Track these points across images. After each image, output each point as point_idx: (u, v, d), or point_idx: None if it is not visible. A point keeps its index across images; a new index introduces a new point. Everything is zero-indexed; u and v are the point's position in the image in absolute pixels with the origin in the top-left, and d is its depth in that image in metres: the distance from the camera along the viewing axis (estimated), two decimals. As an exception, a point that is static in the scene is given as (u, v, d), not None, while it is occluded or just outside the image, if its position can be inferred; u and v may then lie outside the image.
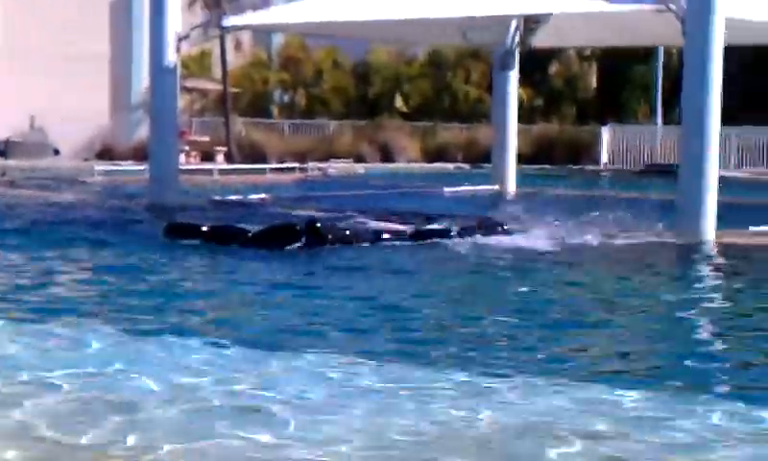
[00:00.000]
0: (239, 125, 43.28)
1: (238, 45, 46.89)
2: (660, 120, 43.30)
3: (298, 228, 16.68)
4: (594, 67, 49.77)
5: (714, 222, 18.06)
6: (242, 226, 17.12)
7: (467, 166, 41.10)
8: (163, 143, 24.04)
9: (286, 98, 51.85)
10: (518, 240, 17.16)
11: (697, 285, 14.13)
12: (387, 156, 42.89)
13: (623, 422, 7.16)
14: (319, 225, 16.93)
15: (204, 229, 16.94)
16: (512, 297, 12.42)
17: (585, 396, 7.80)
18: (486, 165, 33.07)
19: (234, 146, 40.37)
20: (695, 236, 17.71)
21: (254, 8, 32.06)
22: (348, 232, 17.05)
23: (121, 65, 45.57)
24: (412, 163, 42.05)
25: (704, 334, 10.74)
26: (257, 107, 49.80)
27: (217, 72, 44.39)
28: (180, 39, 23.59)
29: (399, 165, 41.35)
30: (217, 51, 42.41)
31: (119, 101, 45.89)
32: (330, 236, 16.57)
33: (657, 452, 6.59)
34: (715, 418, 7.28)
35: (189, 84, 43.32)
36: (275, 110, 50.76)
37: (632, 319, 11.37)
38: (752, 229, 18.78)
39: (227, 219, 19.33)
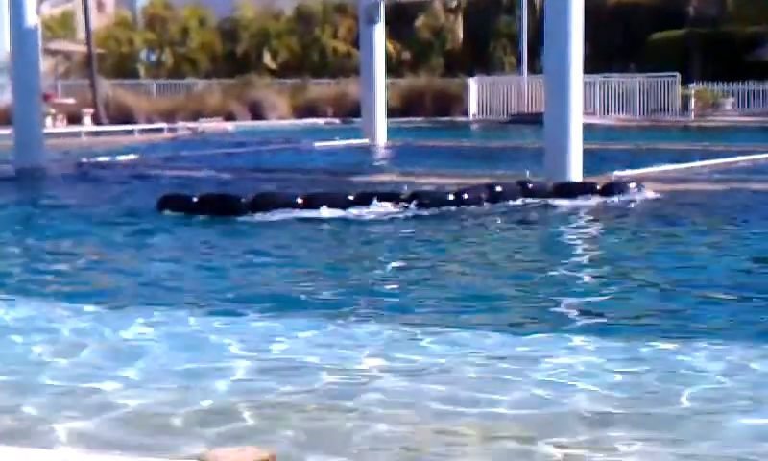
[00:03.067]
0: (106, 86, 42.67)
1: (101, 5, 46.16)
2: (525, 70, 43.79)
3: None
4: (461, 19, 50.08)
5: (580, 168, 18.41)
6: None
7: (337, 121, 41.16)
8: (27, 107, 23.63)
9: (153, 58, 51.27)
10: None
11: (560, 226, 14.47)
12: (257, 113, 42.69)
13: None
14: None
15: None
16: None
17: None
18: (356, 120, 33.20)
19: (102, 108, 39.77)
20: (561, 181, 18.00)
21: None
22: None
23: (-19, 29, 44.54)
24: (282, 120, 41.94)
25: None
26: (124, 67, 49.20)
27: (81, 33, 43.68)
28: (40, 0, 23.18)
29: (270, 122, 41.21)
30: (80, 12, 41.72)
31: (-20, 65, 44.88)
32: None
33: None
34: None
35: (53, 46, 42.61)
36: (141, 71, 50.16)
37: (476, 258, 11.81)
38: (616, 173, 19.18)
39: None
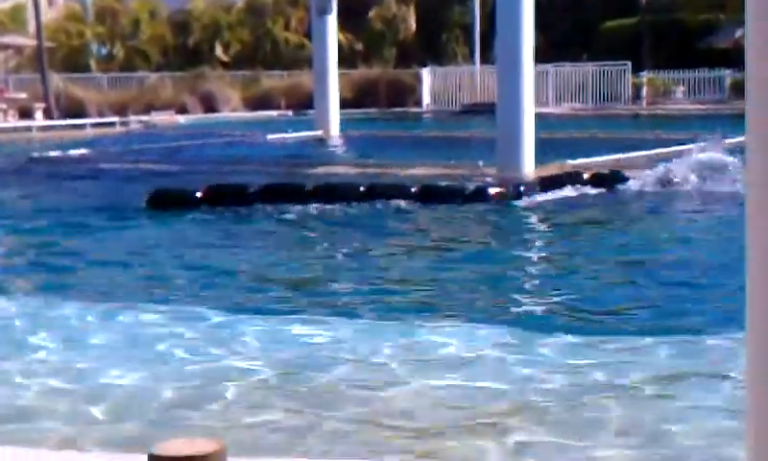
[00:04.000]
0: (57, 80, 42.38)
1: (51, -1, 45.84)
2: (478, 60, 43.87)
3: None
4: (413, 10, 50.13)
5: (533, 157, 18.48)
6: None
7: (290, 113, 41.09)
8: (-23, 101, 23.47)
9: (104, 51, 50.96)
10: None
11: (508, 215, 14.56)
12: (209, 106, 42.57)
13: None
14: None
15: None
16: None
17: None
18: (310, 111, 33.16)
19: (53, 102, 39.55)
20: (515, 171, 18.08)
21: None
22: None
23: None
24: (235, 112, 41.83)
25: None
26: (75, 61, 48.86)
27: (31, 27, 43.35)
28: (-11, -6, 23.01)
29: (222, 115, 41.09)
30: (30, 5, 41.40)
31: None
32: None
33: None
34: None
35: (3, 40, 42.27)
36: (93, 64, 49.84)
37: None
38: (569, 162, 19.27)
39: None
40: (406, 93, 43.69)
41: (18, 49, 47.04)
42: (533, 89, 18.96)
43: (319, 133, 29.68)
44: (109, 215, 14.73)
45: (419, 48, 48.61)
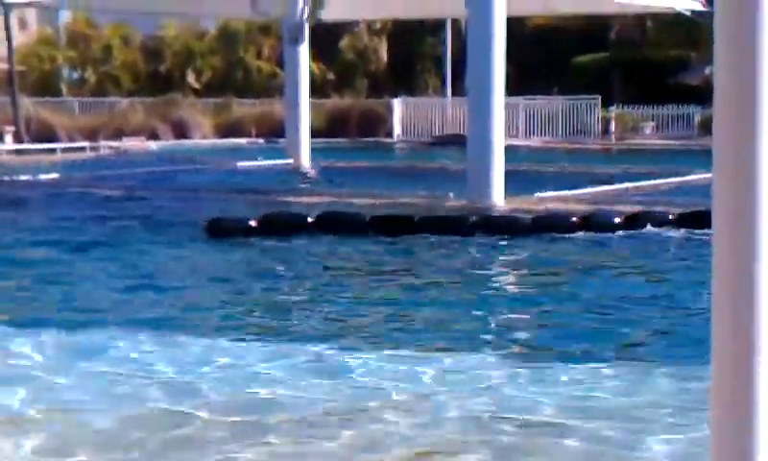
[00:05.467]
0: (27, 104, 42.20)
1: (23, 22, 45.72)
2: (449, 91, 44.01)
3: None
4: (385, 41, 50.28)
5: (502, 188, 18.56)
6: None
7: (261, 141, 41.05)
8: (-53, 124, 23.40)
9: (75, 76, 50.87)
10: None
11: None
12: (181, 132, 42.47)
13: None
14: None
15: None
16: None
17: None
18: (281, 140, 33.15)
19: (23, 126, 39.37)
20: (484, 203, 18.16)
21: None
22: None
23: None
24: (206, 139, 41.77)
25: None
26: (46, 85, 48.72)
27: (2, 51, 43.17)
28: (-40, 17, 22.98)
29: (193, 141, 41.02)
30: (1, 29, 41.24)
31: None
32: None
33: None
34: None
35: (-27, 63, 42.08)
36: (64, 89, 49.74)
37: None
38: (537, 195, 19.36)
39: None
40: (377, 123, 43.74)
41: (-12, 72, 46.84)
42: (503, 121, 19.07)
43: (289, 161, 29.68)
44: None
45: (390, 79, 48.75)
